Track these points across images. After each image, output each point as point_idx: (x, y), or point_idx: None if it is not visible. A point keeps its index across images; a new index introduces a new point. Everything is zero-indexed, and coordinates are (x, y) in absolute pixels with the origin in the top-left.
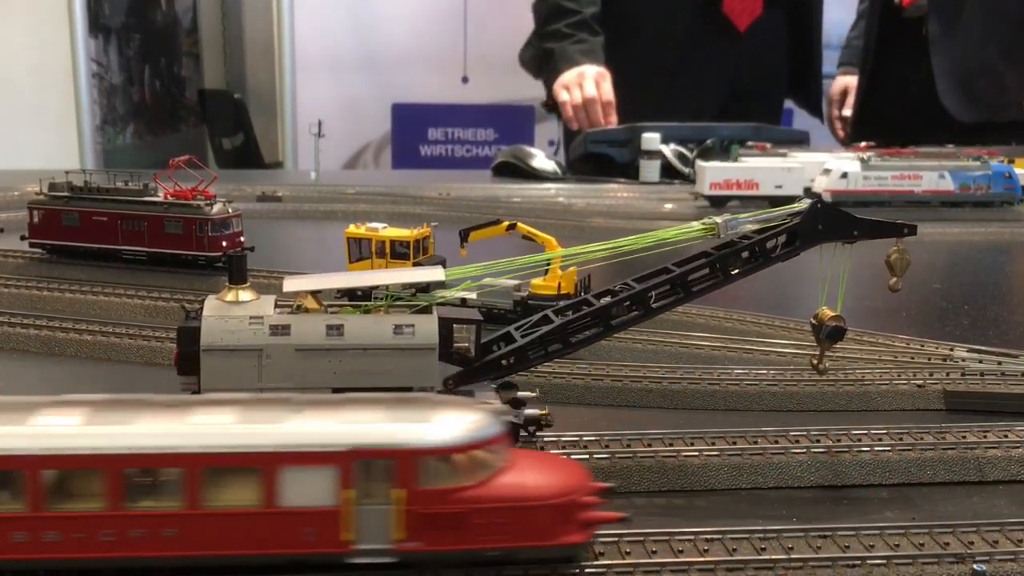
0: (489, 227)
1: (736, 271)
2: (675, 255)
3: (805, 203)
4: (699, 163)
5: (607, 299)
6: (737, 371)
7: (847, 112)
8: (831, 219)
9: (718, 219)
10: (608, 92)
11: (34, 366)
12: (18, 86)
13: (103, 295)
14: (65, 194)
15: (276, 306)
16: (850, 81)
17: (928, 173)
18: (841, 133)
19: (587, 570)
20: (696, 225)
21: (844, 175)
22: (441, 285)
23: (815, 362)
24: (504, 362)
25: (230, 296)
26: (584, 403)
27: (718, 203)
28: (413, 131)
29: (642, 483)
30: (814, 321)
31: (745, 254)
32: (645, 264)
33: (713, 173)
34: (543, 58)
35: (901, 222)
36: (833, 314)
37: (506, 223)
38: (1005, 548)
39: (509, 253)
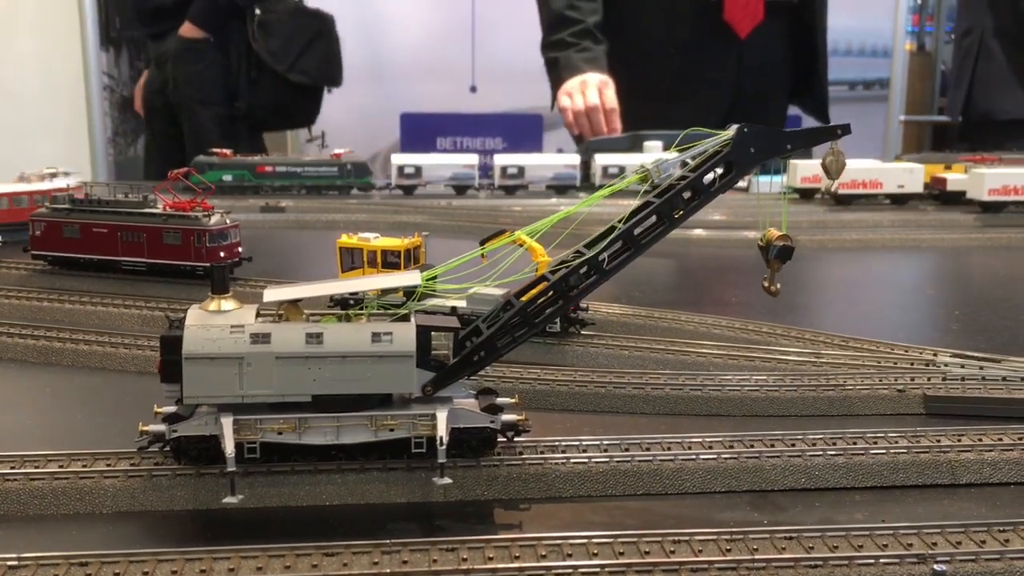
0: (498, 236)
1: (680, 213)
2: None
3: (731, 130)
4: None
5: (562, 271)
6: (720, 377)
7: None
8: (761, 139)
9: (649, 165)
10: (611, 100)
11: (32, 376)
12: (30, 98)
13: (101, 305)
14: (66, 206)
15: (258, 315)
16: None
17: None
18: None
19: (554, 571)
20: (630, 175)
21: None
22: (415, 289)
23: (766, 284)
24: (476, 357)
25: (213, 306)
26: (568, 409)
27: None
28: (422, 140)
29: (618, 487)
30: (761, 243)
31: (687, 194)
32: None
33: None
34: (548, 67)
35: (833, 125)
36: (780, 234)
37: (507, 233)
38: (967, 549)
39: (501, 260)
